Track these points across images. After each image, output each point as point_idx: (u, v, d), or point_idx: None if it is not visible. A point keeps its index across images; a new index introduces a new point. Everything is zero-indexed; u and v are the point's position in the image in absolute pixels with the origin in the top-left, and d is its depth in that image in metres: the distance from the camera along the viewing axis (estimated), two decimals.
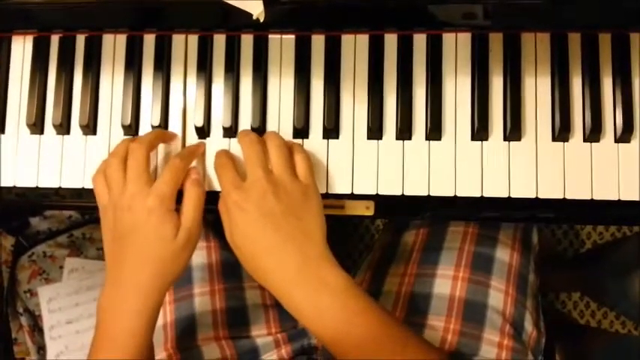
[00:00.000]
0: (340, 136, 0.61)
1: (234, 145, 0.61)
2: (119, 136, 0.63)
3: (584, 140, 0.59)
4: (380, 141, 0.60)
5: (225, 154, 0.59)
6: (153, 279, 0.55)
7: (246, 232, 0.54)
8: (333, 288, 0.53)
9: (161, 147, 0.62)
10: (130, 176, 0.56)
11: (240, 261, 0.56)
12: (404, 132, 0.60)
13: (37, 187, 0.63)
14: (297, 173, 0.57)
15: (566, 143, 0.59)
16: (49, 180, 0.63)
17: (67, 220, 1.07)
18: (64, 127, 0.63)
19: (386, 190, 0.60)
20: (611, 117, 0.59)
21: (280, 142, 0.57)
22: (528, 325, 0.68)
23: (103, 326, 0.56)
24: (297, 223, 0.54)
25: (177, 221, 0.56)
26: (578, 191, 0.59)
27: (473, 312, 0.66)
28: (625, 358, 0.88)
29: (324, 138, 0.61)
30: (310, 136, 0.61)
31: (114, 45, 0.63)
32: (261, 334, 0.71)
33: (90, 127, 0.63)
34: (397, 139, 0.60)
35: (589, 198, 0.58)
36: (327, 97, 0.61)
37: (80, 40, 0.64)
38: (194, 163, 0.61)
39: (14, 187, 0.63)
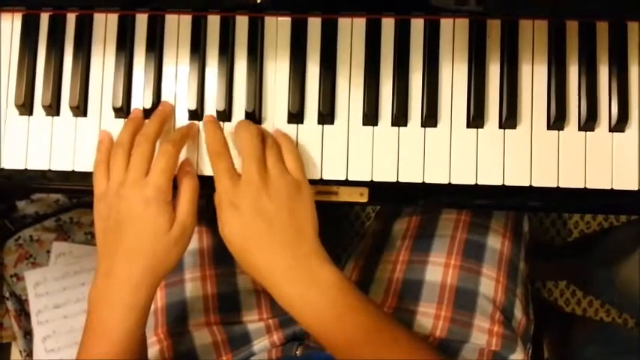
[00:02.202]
0: (335, 122, 0.60)
1: (227, 130, 0.60)
2: (110, 118, 0.62)
3: (579, 129, 0.59)
4: (375, 127, 0.60)
5: (219, 140, 0.58)
6: (144, 272, 0.54)
7: (238, 229, 0.54)
8: (324, 284, 0.53)
9: None
10: (132, 168, 0.55)
11: (232, 253, 0.56)
12: (400, 118, 0.59)
13: (25, 170, 0.62)
14: (288, 169, 0.57)
15: (561, 132, 0.59)
16: (38, 162, 0.62)
17: (55, 203, 1.06)
18: (53, 109, 0.61)
19: (380, 177, 0.60)
20: (607, 106, 0.59)
21: (273, 140, 0.58)
22: (518, 313, 0.69)
23: (94, 318, 0.56)
24: (289, 221, 0.54)
25: (173, 214, 0.55)
26: (571, 180, 0.59)
27: (464, 299, 0.66)
28: (609, 345, 0.89)
29: (319, 123, 0.60)
30: (305, 121, 0.60)
31: (105, 24, 0.62)
32: (253, 319, 0.71)
33: (80, 109, 0.61)
34: (393, 125, 0.60)
35: (582, 187, 0.59)
36: (323, 82, 0.60)
37: (71, 18, 0.62)
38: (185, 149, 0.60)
39: (2, 169, 0.62)
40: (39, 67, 0.62)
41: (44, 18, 0.62)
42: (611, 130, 0.59)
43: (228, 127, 0.60)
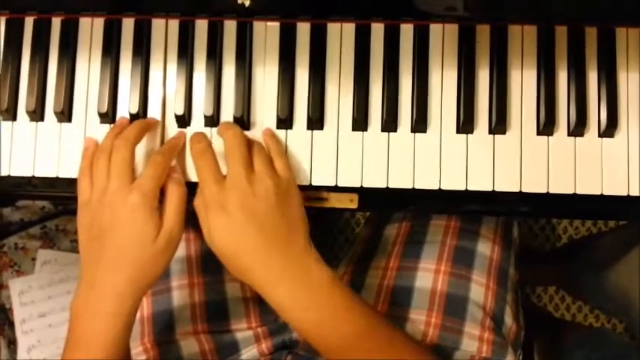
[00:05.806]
0: (325, 127, 0.60)
1: (215, 135, 0.60)
2: (95, 123, 0.61)
3: (569, 134, 0.59)
4: (365, 132, 0.60)
5: (204, 140, 0.57)
6: (129, 282, 0.53)
7: (227, 234, 0.53)
8: (318, 284, 0.53)
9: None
10: (113, 173, 0.54)
11: (220, 259, 0.55)
12: (389, 124, 0.59)
13: (9, 176, 0.60)
14: (275, 169, 0.56)
15: (550, 137, 0.59)
16: (21, 168, 0.60)
17: (40, 211, 1.04)
18: (37, 114, 0.60)
19: (370, 183, 0.59)
20: (596, 111, 0.59)
21: (259, 143, 0.57)
22: (508, 319, 0.68)
23: (76, 329, 0.54)
24: (280, 222, 0.53)
25: (159, 221, 0.54)
26: (561, 185, 0.59)
27: (454, 306, 0.66)
28: (598, 351, 0.90)
29: (308, 129, 0.60)
30: (294, 126, 0.60)
31: (91, 29, 0.61)
32: (241, 328, 0.70)
33: (65, 114, 0.60)
34: (382, 130, 0.59)
35: (572, 192, 0.59)
36: (312, 87, 0.59)
37: (56, 23, 0.61)
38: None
39: None
40: (23, 71, 0.61)
41: (29, 22, 0.61)
42: (600, 135, 0.59)
43: (215, 132, 0.60)
